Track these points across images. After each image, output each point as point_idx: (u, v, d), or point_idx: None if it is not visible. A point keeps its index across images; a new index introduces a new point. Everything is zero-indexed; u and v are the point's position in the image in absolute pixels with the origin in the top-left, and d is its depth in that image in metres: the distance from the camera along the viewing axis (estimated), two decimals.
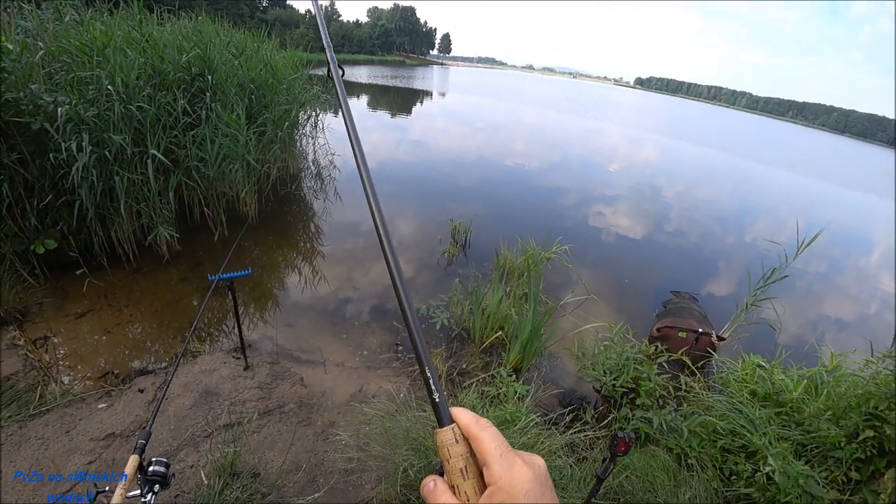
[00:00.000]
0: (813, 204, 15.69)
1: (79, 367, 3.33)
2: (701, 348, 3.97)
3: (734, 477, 2.64)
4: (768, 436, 2.63)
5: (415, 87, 36.25)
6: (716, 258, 7.96)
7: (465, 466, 0.45)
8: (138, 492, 1.33)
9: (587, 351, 3.95)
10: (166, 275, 4.58)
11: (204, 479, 2.45)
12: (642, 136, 27.57)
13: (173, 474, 1.44)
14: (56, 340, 3.53)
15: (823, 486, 2.41)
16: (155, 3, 6.03)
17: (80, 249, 4.19)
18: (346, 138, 0.63)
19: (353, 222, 6.78)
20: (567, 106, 41.96)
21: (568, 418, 3.12)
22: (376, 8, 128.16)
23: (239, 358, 3.54)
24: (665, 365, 3.51)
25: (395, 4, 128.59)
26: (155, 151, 4.32)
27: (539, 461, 0.45)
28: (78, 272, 4.14)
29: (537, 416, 2.73)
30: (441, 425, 0.47)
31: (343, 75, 0.77)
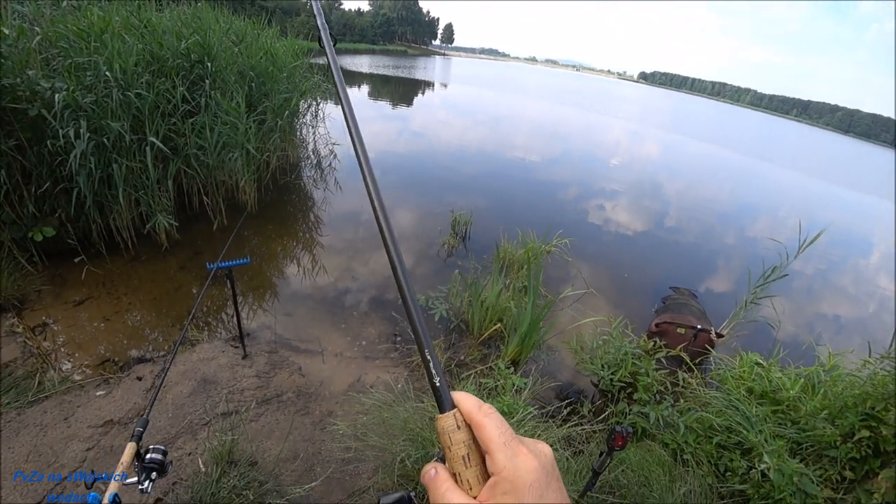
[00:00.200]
0: (814, 204, 15.67)
1: (77, 354, 3.33)
2: (699, 345, 3.98)
3: (729, 473, 2.65)
4: (764, 433, 2.64)
5: (416, 78, 36.03)
6: (716, 255, 7.96)
7: (468, 454, 0.43)
8: (136, 479, 1.33)
9: (585, 345, 3.95)
10: (165, 263, 4.57)
11: (201, 466, 2.45)
12: (644, 130, 27.47)
13: (171, 462, 1.44)
14: (55, 328, 3.53)
15: (817, 485, 2.42)
16: None
17: (78, 237, 4.17)
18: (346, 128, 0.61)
19: (352, 212, 6.76)
20: (569, 99, 41.78)
21: (565, 412, 3.13)
22: None
23: (237, 347, 3.54)
24: (663, 360, 3.52)
25: None
26: (154, 139, 4.29)
27: (545, 449, 0.44)
28: (76, 260, 4.13)
29: (535, 409, 2.73)
30: (442, 411, 0.45)
31: (335, 44, 0.73)
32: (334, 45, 0.72)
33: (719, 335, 4.21)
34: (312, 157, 8.68)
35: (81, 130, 3.78)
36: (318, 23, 0.73)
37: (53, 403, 2.79)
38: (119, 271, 4.29)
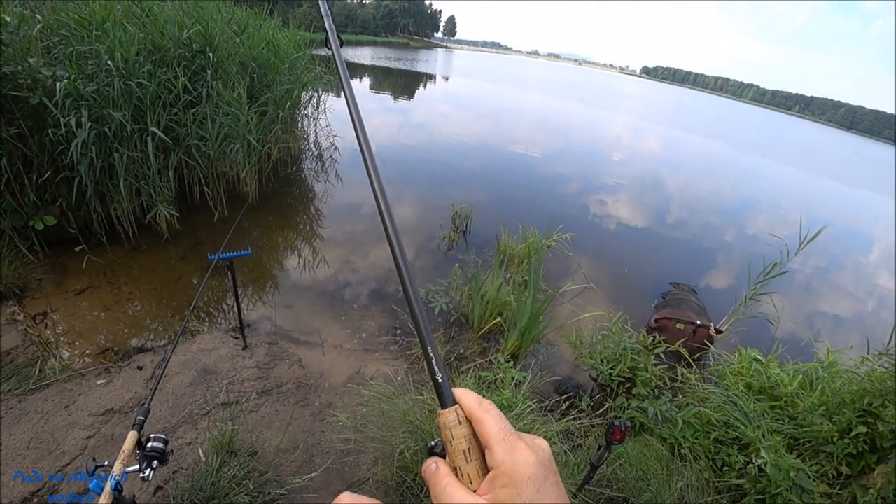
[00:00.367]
0: (815, 200, 15.65)
1: (78, 343, 3.34)
2: (698, 340, 3.99)
3: (726, 468, 2.67)
4: (762, 429, 2.65)
5: (418, 71, 35.86)
6: (716, 251, 7.96)
7: (468, 449, 0.44)
8: (137, 467, 1.34)
9: (585, 339, 3.96)
10: (166, 253, 4.58)
11: (202, 456, 2.47)
12: (646, 126, 27.39)
13: (171, 451, 1.45)
14: (55, 316, 3.54)
15: (814, 480, 2.44)
16: None
17: (79, 226, 4.17)
18: (348, 120, 0.62)
19: (353, 205, 6.76)
20: (571, 94, 41.62)
21: (564, 406, 3.15)
22: None
23: (237, 337, 3.55)
24: (662, 356, 3.52)
25: None
26: (155, 129, 4.28)
27: (543, 444, 0.45)
28: (77, 249, 4.13)
29: (534, 403, 2.74)
30: (443, 406, 0.46)
31: (342, 46, 0.75)
32: (341, 46, 0.73)
33: (718, 331, 4.22)
34: (313, 148, 8.66)
35: (83, 119, 3.78)
36: (326, 24, 0.74)
37: (54, 391, 2.80)
38: (120, 261, 4.29)
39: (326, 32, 0.73)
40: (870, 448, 2.52)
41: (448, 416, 0.45)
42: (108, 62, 4.05)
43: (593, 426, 2.98)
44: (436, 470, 0.44)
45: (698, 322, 4.09)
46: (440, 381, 0.47)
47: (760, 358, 3.32)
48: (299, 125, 7.98)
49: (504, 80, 42.66)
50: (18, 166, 3.79)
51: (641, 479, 2.53)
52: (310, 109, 8.22)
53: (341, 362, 3.59)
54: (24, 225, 3.88)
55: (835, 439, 2.61)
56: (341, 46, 0.73)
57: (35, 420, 2.58)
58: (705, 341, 3.97)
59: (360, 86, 20.78)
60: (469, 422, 0.45)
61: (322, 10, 0.77)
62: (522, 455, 0.41)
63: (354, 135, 0.60)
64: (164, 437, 1.41)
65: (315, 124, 8.55)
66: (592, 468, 2.04)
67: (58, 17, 4.21)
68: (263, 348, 3.51)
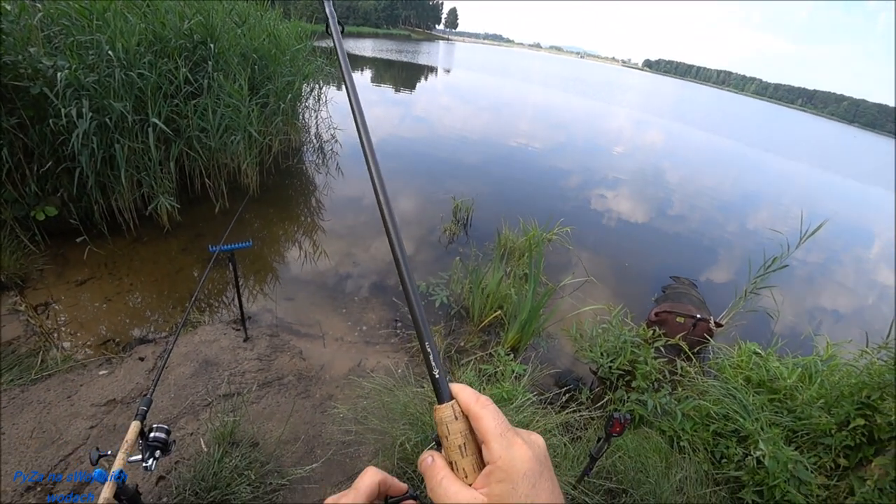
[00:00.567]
0: (817, 194, 15.62)
1: (79, 333, 3.36)
2: (698, 334, 4.00)
3: (725, 460, 2.69)
4: (760, 421, 2.67)
5: (419, 63, 35.66)
6: (716, 245, 7.95)
7: (464, 443, 0.44)
8: (140, 457, 1.35)
9: (585, 333, 3.98)
10: (167, 245, 4.58)
11: (203, 446, 2.49)
12: (648, 119, 27.28)
13: (174, 441, 1.46)
14: (57, 307, 3.55)
15: (811, 472, 2.45)
16: None
17: (80, 217, 4.17)
18: (349, 113, 0.61)
19: (354, 197, 6.75)
20: (573, 87, 41.43)
21: (564, 398, 3.15)
22: None
23: (239, 329, 3.56)
24: (662, 349, 3.54)
25: None
26: (156, 120, 4.27)
27: (538, 440, 0.45)
28: (78, 240, 4.14)
29: (533, 396, 2.76)
30: (440, 402, 0.46)
31: (343, 32, 0.74)
32: (342, 32, 0.72)
33: (718, 325, 4.23)
34: (315, 141, 8.64)
35: (84, 110, 3.77)
36: (327, 10, 0.73)
37: (56, 381, 2.82)
38: (121, 252, 4.30)
39: (327, 18, 0.72)
40: (867, 440, 2.53)
41: (445, 411, 0.45)
42: (109, 52, 4.03)
43: (593, 419, 2.99)
44: (431, 463, 0.45)
45: (698, 315, 4.09)
46: (437, 376, 0.47)
47: (760, 351, 3.33)
48: (300, 117, 7.95)
49: (506, 73, 42.45)
50: (19, 156, 3.79)
51: (640, 471, 2.55)
52: (311, 101, 8.18)
53: (342, 354, 3.61)
54: (25, 215, 3.88)
55: (833, 431, 2.63)
56: (342, 33, 0.73)
57: (37, 410, 2.59)
58: (705, 335, 3.98)
59: (362, 78, 20.69)
60: (466, 417, 0.45)
61: None
62: (519, 451, 0.42)
63: (354, 125, 0.60)
64: (166, 427, 1.42)
65: (316, 116, 8.52)
66: (592, 460, 2.06)
67: (58, 7, 4.18)
68: (264, 340, 3.52)
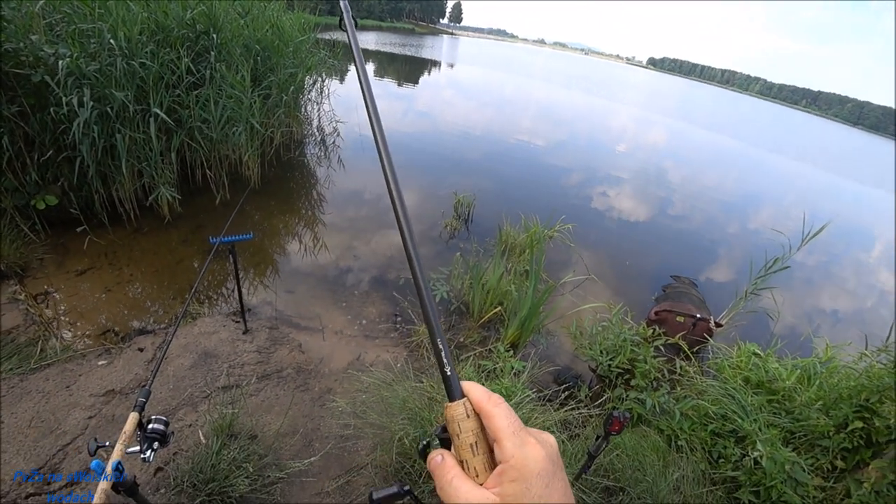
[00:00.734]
0: (819, 196, 15.57)
1: (79, 323, 3.35)
2: (698, 333, 4.00)
3: (722, 460, 2.69)
4: (758, 422, 2.67)
5: (423, 57, 35.52)
6: (717, 245, 7.94)
7: (476, 442, 0.44)
8: (138, 448, 1.35)
9: (585, 330, 3.97)
10: (167, 236, 4.57)
11: (202, 438, 2.49)
12: (651, 117, 27.20)
13: (172, 433, 1.46)
14: (57, 296, 3.55)
15: (808, 473, 2.45)
16: None
17: (80, 207, 4.16)
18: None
19: (355, 191, 6.73)
20: (577, 84, 41.28)
21: (563, 396, 3.16)
22: None
23: (238, 321, 3.56)
24: (661, 348, 3.54)
25: None
26: (157, 110, 4.25)
27: (551, 440, 0.44)
28: (79, 229, 4.13)
29: (532, 392, 2.75)
30: (451, 399, 0.45)
31: (357, 26, 0.74)
32: (356, 26, 0.72)
33: (718, 325, 4.23)
34: (316, 133, 8.61)
35: (85, 99, 3.75)
36: (342, 4, 0.74)
37: (55, 371, 2.82)
38: (121, 242, 4.29)
39: (341, 12, 0.73)
40: (865, 443, 2.53)
41: (456, 409, 0.45)
42: (111, 41, 4.01)
43: (591, 416, 2.99)
44: (441, 462, 0.44)
45: (698, 315, 4.09)
46: (448, 373, 0.46)
47: (759, 352, 3.33)
48: (302, 110, 7.92)
49: (509, 69, 42.29)
50: (20, 145, 3.77)
51: (638, 470, 2.55)
52: (313, 94, 8.15)
53: (341, 348, 3.61)
54: (25, 204, 3.87)
55: (831, 434, 2.63)
56: (357, 28, 0.73)
57: (36, 399, 2.59)
58: (705, 334, 3.98)
59: None
60: (477, 415, 0.45)
61: None
62: (532, 450, 0.41)
63: (367, 117, 0.60)
64: (165, 419, 1.42)
65: (318, 109, 8.49)
66: (590, 458, 2.06)
67: None
68: (264, 333, 3.52)
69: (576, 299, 4.63)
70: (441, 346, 0.47)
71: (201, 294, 3.95)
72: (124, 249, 4.23)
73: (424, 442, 0.47)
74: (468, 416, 0.44)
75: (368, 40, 38.82)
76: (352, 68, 20.15)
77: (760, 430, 2.61)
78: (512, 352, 3.41)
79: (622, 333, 3.63)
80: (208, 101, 4.85)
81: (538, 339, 4.07)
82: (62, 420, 2.49)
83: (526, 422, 2.48)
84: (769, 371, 3.10)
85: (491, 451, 0.44)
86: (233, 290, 3.90)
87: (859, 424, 2.54)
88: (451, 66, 35.17)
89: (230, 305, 3.87)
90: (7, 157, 3.64)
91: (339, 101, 8.73)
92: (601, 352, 3.64)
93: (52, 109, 3.73)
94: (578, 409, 2.84)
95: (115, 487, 1.25)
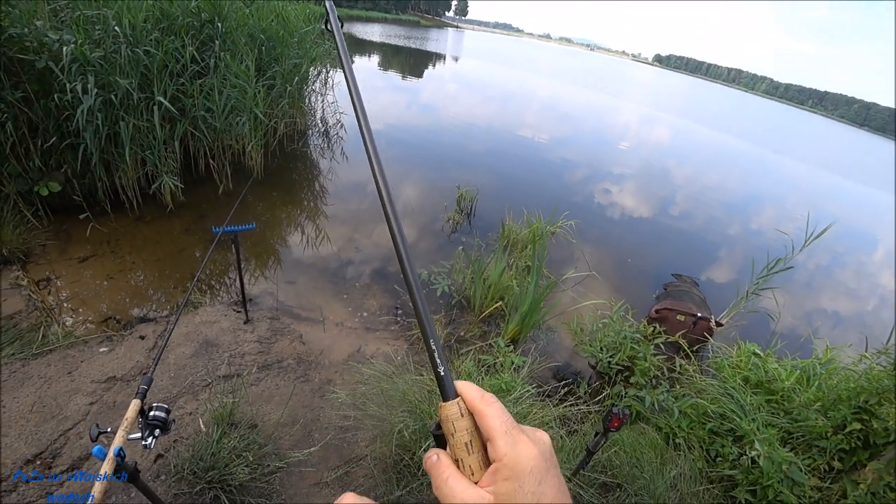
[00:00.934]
0: (823, 197, 15.52)
1: (81, 310, 3.36)
2: (698, 332, 4.00)
3: (719, 459, 2.70)
4: (757, 421, 2.68)
5: (428, 50, 35.36)
6: (720, 244, 7.93)
7: (470, 441, 0.44)
8: (139, 435, 1.36)
9: (585, 327, 3.98)
10: (169, 224, 4.58)
11: (202, 426, 2.50)
12: (656, 115, 27.10)
13: (173, 420, 1.47)
14: (59, 283, 3.56)
15: (805, 473, 2.46)
16: None
17: (83, 194, 4.17)
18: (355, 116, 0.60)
19: (358, 183, 6.73)
20: (582, 79, 41.10)
21: (562, 392, 3.16)
22: None
23: (239, 311, 3.57)
24: (661, 346, 3.54)
25: None
26: (161, 98, 4.24)
27: (544, 437, 0.45)
28: (81, 216, 4.14)
29: (532, 388, 2.76)
30: (445, 399, 0.46)
31: (342, 27, 0.73)
32: (342, 27, 0.71)
33: (719, 324, 4.23)
34: (320, 125, 8.60)
35: (89, 86, 3.74)
36: (327, 5, 0.72)
37: (57, 357, 2.83)
38: (123, 230, 4.30)
39: (327, 12, 0.71)
40: (863, 445, 2.54)
41: (450, 408, 0.45)
42: (116, 28, 4.00)
43: (590, 413, 3.00)
44: (437, 461, 0.45)
45: (699, 314, 4.09)
46: (442, 373, 0.47)
47: (759, 352, 3.33)
48: (306, 101, 7.91)
49: (514, 63, 42.10)
50: (24, 130, 3.77)
51: (635, 466, 2.56)
52: (317, 85, 8.14)
53: (342, 340, 3.61)
54: (28, 190, 3.88)
55: (829, 434, 2.64)
56: (342, 27, 0.71)
57: (38, 384, 2.60)
58: (705, 333, 3.99)
59: (369, 63, 20.54)
60: (471, 414, 0.45)
61: None
62: (525, 448, 0.41)
63: (356, 119, 0.59)
64: (166, 406, 1.42)
65: (322, 100, 8.48)
66: (588, 454, 2.07)
67: None
68: (265, 323, 3.53)
69: (577, 296, 4.64)
70: (434, 347, 0.47)
71: (203, 283, 3.96)
72: (126, 237, 4.23)
73: (433, 430, 0.48)
74: (462, 416, 0.45)
75: (373, 32, 38.64)
76: (356, 59, 20.12)
77: (758, 429, 2.62)
78: (512, 347, 3.42)
79: (622, 331, 3.63)
80: (212, 90, 4.84)
81: (538, 334, 4.07)
82: (63, 405, 2.51)
83: (525, 416, 2.50)
84: (768, 371, 3.10)
85: (485, 449, 0.44)
86: (234, 280, 3.91)
87: (857, 426, 2.54)
88: (456, 59, 35.02)
89: (231, 295, 3.87)
90: (11, 142, 3.64)
91: (342, 93, 8.69)
92: (601, 349, 3.65)
93: (56, 96, 3.73)
94: (577, 405, 2.85)
95: (117, 472, 1.25)
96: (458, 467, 0.44)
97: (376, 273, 4.62)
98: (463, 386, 0.47)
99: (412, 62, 25.76)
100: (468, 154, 9.54)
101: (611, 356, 3.57)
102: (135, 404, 1.36)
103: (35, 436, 2.30)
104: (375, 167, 0.55)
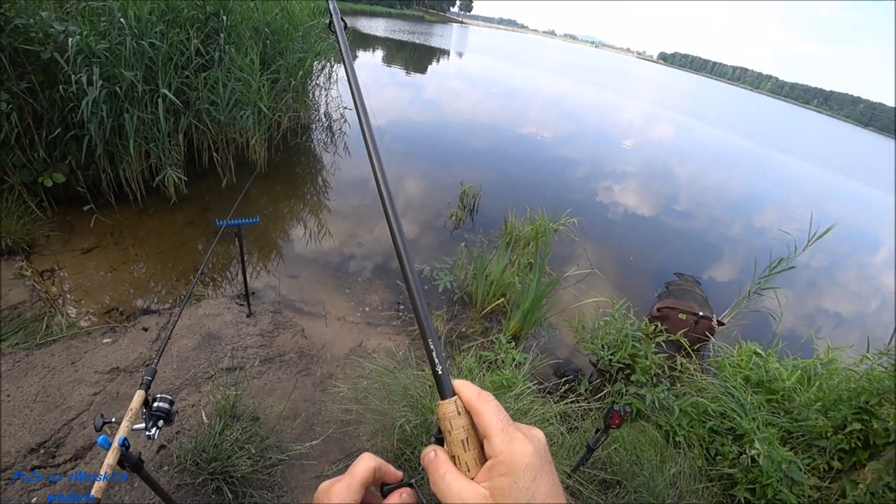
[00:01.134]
0: (827, 197, 15.46)
1: (84, 301, 3.38)
2: (699, 331, 4.00)
3: (719, 457, 2.71)
4: (757, 421, 2.68)
5: (432, 45, 35.22)
6: (722, 243, 7.92)
7: (467, 438, 0.45)
8: (143, 425, 1.37)
9: (587, 325, 3.98)
10: (173, 217, 4.59)
11: (205, 418, 2.51)
12: (659, 113, 27.00)
13: (177, 411, 1.47)
14: (62, 274, 3.57)
15: (805, 473, 2.47)
16: None
17: (87, 185, 4.18)
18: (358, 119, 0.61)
19: (360, 178, 6.72)
20: (586, 77, 40.95)
21: (563, 389, 3.17)
22: None
23: (242, 304, 3.58)
24: (662, 344, 3.55)
25: None
26: (166, 91, 4.25)
27: (539, 434, 0.45)
28: (85, 208, 4.15)
29: (533, 384, 2.77)
30: (443, 397, 0.47)
31: (346, 28, 0.73)
32: (345, 28, 0.71)
33: (720, 323, 4.23)
34: (324, 119, 8.59)
35: (94, 77, 3.74)
36: (331, 7, 0.72)
37: (61, 347, 2.85)
38: (127, 222, 4.31)
39: (330, 14, 0.71)
40: (862, 445, 2.55)
41: (447, 406, 0.46)
42: (121, 20, 4.00)
43: (591, 410, 3.01)
44: (434, 458, 0.46)
45: (700, 313, 4.10)
46: (440, 372, 0.48)
47: (760, 352, 3.33)
48: (310, 95, 7.90)
49: (518, 60, 41.95)
50: (28, 121, 3.78)
51: (635, 464, 2.57)
52: (321, 80, 8.12)
53: (344, 334, 3.63)
54: (33, 181, 3.88)
55: (829, 434, 2.64)
56: (345, 27, 0.72)
57: (42, 374, 2.62)
58: (706, 332, 3.99)
59: (373, 58, 20.47)
60: (468, 412, 0.46)
61: None
62: (520, 445, 0.42)
63: (357, 119, 0.60)
64: (170, 398, 1.43)
65: (326, 95, 8.47)
66: (589, 450, 2.07)
67: None
68: (267, 316, 3.54)
69: (578, 293, 4.63)
70: (433, 346, 0.48)
71: (206, 276, 3.97)
72: (130, 229, 4.25)
73: (435, 430, 0.48)
74: (459, 414, 0.46)
75: (377, 27, 38.52)
76: (360, 54, 20.07)
77: (759, 428, 2.62)
78: (513, 343, 3.43)
79: (624, 329, 3.63)
80: (217, 83, 4.84)
81: (540, 331, 4.08)
82: (67, 396, 2.52)
83: (526, 413, 2.50)
84: (769, 371, 3.11)
85: (482, 446, 0.45)
86: (237, 274, 3.92)
87: (857, 426, 2.55)
88: (460, 55, 34.91)
89: (234, 288, 3.89)
90: (16, 133, 3.64)
91: (346, 88, 8.66)
92: (602, 346, 3.66)
93: (60, 87, 3.73)
94: (578, 402, 2.86)
95: (121, 462, 1.26)
96: (455, 464, 0.45)
97: (378, 268, 4.63)
98: (460, 384, 0.48)
99: (416, 57, 25.68)
100: (471, 151, 9.53)
101: (612, 354, 3.57)
102: (139, 395, 1.37)
103: (39, 425, 2.32)
104: (376, 166, 0.55)
